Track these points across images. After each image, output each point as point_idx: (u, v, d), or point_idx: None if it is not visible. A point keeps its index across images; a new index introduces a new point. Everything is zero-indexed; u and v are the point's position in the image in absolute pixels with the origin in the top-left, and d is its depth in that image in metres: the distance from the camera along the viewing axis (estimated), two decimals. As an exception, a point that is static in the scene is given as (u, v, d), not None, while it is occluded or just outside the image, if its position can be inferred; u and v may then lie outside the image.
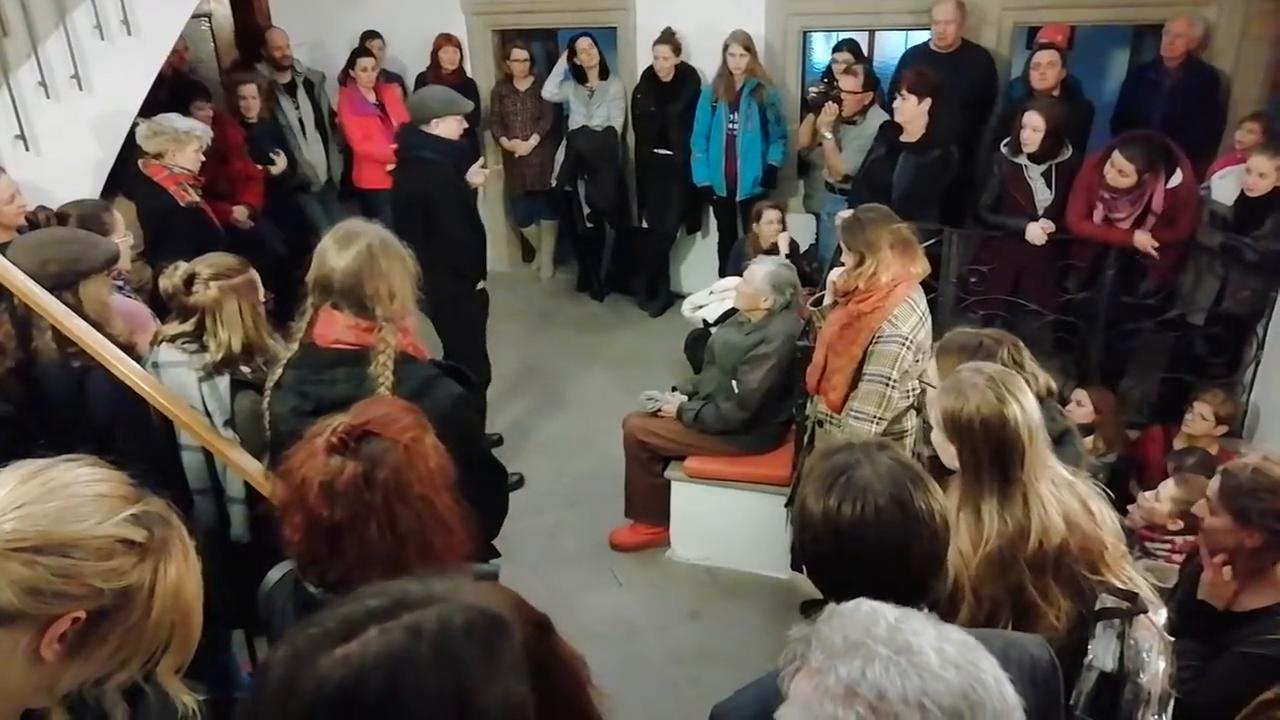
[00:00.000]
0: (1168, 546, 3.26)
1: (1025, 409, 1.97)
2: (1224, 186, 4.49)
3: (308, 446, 1.57)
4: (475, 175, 4.71)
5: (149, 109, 4.42)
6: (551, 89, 6.53)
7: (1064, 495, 1.97)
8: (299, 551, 1.60)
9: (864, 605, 1.06)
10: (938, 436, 2.09)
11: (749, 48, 5.80)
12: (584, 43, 6.32)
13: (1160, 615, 1.90)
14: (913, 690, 0.94)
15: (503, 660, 0.92)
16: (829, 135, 5.43)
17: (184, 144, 4.25)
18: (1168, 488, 3.28)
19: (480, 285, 4.64)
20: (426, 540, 1.56)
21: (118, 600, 1.14)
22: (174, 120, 4.31)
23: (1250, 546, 2.13)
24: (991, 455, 1.96)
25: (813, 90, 5.68)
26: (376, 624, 0.90)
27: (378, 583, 1.01)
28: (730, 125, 5.96)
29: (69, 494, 1.15)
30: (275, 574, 1.79)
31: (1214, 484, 2.23)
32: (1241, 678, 2.11)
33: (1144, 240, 4.45)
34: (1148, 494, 3.41)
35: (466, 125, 4.50)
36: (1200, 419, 4.03)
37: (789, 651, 1.06)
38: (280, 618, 1.71)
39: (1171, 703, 1.90)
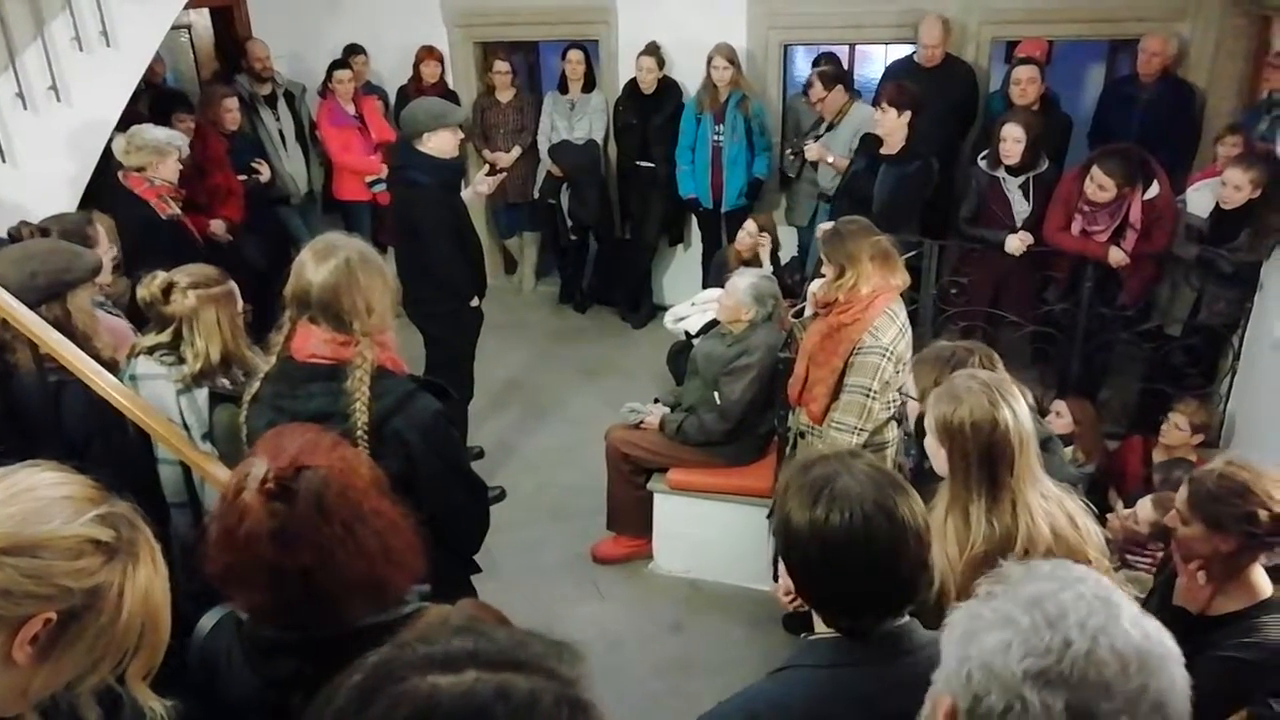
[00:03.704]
0: (1148, 560, 3.28)
1: (1017, 416, 1.99)
2: (1199, 199, 4.54)
3: (235, 506, 1.48)
4: (481, 184, 4.68)
5: (127, 121, 4.39)
6: (546, 128, 6.58)
7: (1052, 508, 1.99)
8: (269, 608, 1.51)
9: (1081, 568, 1.07)
10: (930, 442, 2.11)
11: (733, 60, 5.84)
12: (574, 55, 6.39)
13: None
14: (1094, 623, 0.95)
15: None
16: (832, 158, 5.56)
17: (165, 155, 4.22)
18: (1145, 510, 3.29)
19: (475, 303, 4.57)
20: (391, 548, 1.52)
21: (87, 600, 1.14)
22: (153, 131, 4.28)
23: (1225, 551, 2.15)
24: (980, 459, 1.98)
25: (788, 157, 6.05)
26: (476, 669, 0.88)
27: (506, 625, 0.99)
28: (716, 137, 5.99)
29: (34, 496, 1.16)
30: (208, 621, 1.67)
31: (1181, 494, 2.24)
32: (1218, 681, 2.13)
33: (1118, 257, 4.51)
34: (1125, 512, 3.43)
35: (462, 136, 4.40)
36: (1175, 429, 4.07)
37: (993, 573, 1.07)
38: (226, 669, 1.60)
39: None
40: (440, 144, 4.22)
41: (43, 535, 1.13)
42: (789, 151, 6.04)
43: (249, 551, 1.46)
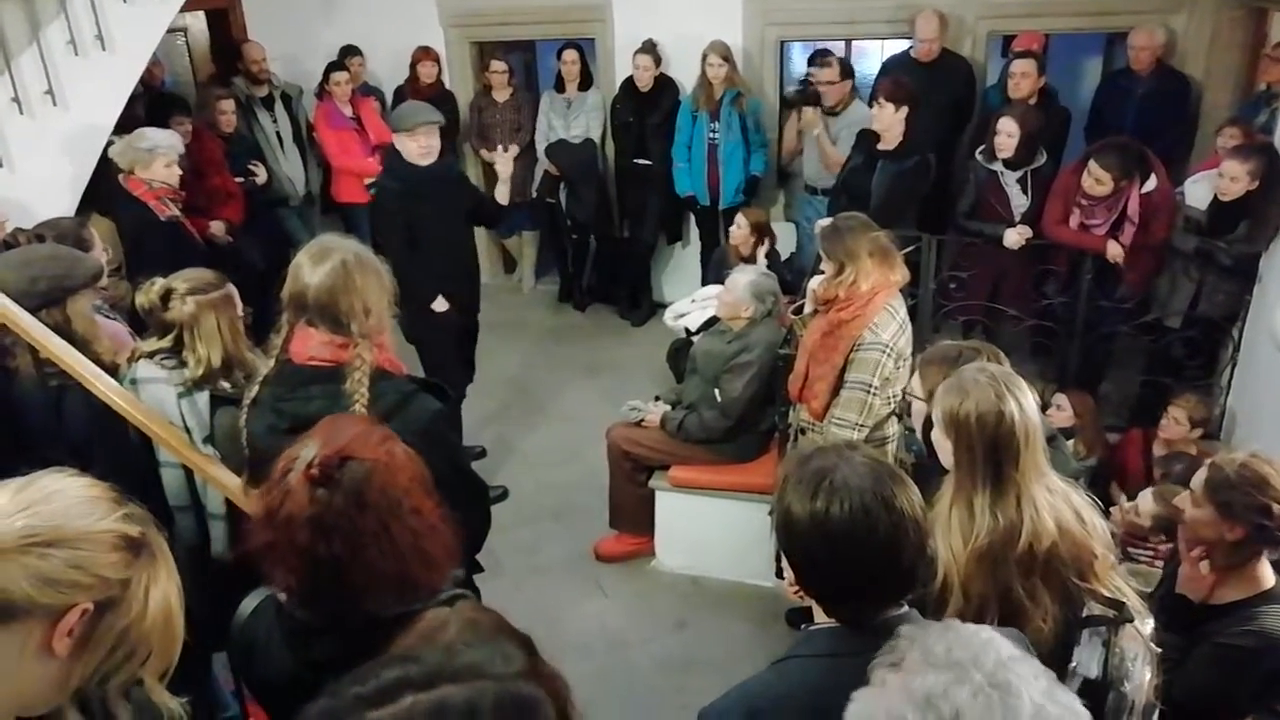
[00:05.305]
0: (1150, 553, 3.29)
1: (1024, 409, 1.99)
2: (1197, 191, 4.53)
3: (280, 486, 1.51)
4: (500, 163, 4.66)
5: (127, 125, 4.39)
6: (543, 127, 6.59)
7: (1057, 502, 1.99)
8: (299, 591, 1.54)
9: (983, 632, 1.04)
10: (937, 434, 2.11)
11: (727, 58, 5.85)
12: (570, 54, 6.39)
13: (1147, 625, 1.91)
14: None
15: None
16: (817, 133, 5.54)
17: (153, 159, 4.21)
18: (1146, 502, 3.30)
19: (443, 307, 4.49)
20: (424, 550, 1.53)
21: (120, 592, 1.21)
22: (148, 135, 4.27)
23: (1230, 540, 2.17)
24: (986, 451, 1.98)
25: (789, 89, 5.99)
26: (412, 693, 0.92)
27: (425, 645, 1.02)
28: (711, 135, 5.99)
29: (67, 496, 1.23)
30: (250, 604, 1.71)
31: (1199, 476, 2.27)
32: (1216, 668, 2.16)
33: (1115, 252, 4.51)
34: (1127, 505, 3.44)
35: (430, 143, 4.25)
36: (1174, 424, 4.08)
37: (889, 645, 1.06)
38: (265, 649, 1.63)
39: (1156, 713, 1.91)
40: (403, 146, 4.26)
41: (82, 529, 1.20)
42: (789, 88, 5.96)
43: (285, 532, 1.49)
